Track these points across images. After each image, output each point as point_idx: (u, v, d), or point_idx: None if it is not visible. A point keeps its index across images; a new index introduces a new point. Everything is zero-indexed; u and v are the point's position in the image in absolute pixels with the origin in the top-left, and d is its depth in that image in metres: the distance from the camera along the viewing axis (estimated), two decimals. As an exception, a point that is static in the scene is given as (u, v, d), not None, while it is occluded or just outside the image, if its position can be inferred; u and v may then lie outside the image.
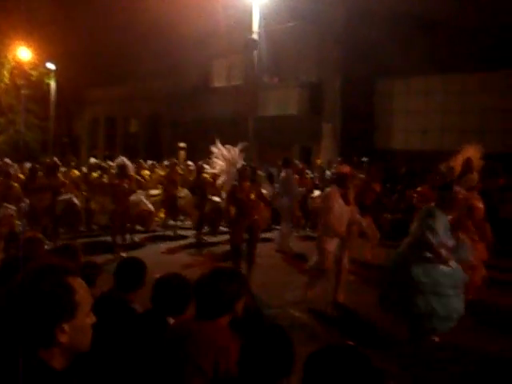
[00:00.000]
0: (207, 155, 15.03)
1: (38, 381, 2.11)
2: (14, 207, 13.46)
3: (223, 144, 13.08)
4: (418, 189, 13.75)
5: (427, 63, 22.07)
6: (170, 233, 16.74)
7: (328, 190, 9.70)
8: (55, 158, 18.36)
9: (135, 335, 4.15)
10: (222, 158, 12.83)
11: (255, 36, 22.34)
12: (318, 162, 21.32)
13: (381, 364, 2.54)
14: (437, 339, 7.44)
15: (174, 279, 4.42)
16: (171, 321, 4.24)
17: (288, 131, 25.78)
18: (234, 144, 13.17)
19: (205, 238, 15.95)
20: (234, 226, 10.97)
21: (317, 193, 16.96)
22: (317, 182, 18.76)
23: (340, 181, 9.48)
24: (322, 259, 9.39)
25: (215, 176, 14.15)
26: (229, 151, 12.74)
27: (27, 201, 14.15)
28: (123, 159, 14.64)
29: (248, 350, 3.05)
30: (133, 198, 14.77)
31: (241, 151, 12.69)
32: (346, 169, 9.98)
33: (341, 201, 9.24)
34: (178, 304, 4.31)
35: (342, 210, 9.25)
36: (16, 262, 2.93)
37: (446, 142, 23.42)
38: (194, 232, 16.26)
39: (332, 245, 9.37)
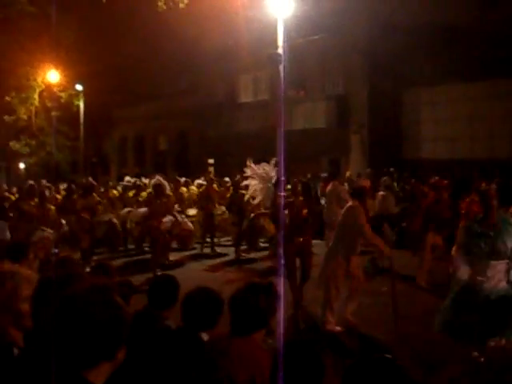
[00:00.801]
0: (236, 171, 15.00)
1: None
2: (50, 230, 13.48)
3: (253, 159, 13.10)
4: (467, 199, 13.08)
5: (453, 71, 21.95)
6: (207, 251, 16.54)
7: (350, 205, 9.13)
8: (91, 179, 18.38)
9: (169, 352, 4.16)
10: (256, 177, 12.79)
11: (280, 50, 22.37)
12: (348, 174, 21.24)
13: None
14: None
15: (202, 293, 4.41)
16: (204, 336, 4.25)
17: (316, 144, 25.76)
18: (262, 159, 13.21)
19: (244, 254, 15.69)
20: (285, 244, 10.72)
21: None
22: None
23: (359, 195, 9.03)
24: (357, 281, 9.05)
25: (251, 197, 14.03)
26: (261, 168, 12.70)
27: (64, 222, 14.20)
28: (159, 179, 14.63)
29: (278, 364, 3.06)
30: (169, 218, 14.55)
31: (274, 166, 12.63)
32: (366, 182, 9.68)
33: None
34: (209, 318, 4.31)
35: None
36: (52, 282, 2.98)
37: (475, 149, 23.27)
38: (232, 249, 16.05)
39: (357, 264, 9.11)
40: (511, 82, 22.13)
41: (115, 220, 16.03)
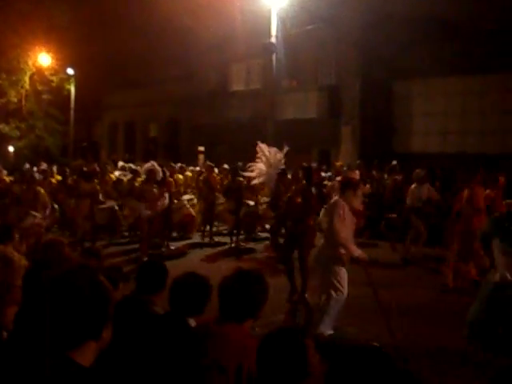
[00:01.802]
0: (226, 158, 14.89)
1: (72, 380, 2.15)
2: (40, 215, 13.23)
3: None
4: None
5: (446, 64, 21.96)
6: (206, 239, 16.29)
7: (334, 199, 8.49)
8: (96, 165, 18.02)
9: (156, 336, 4.15)
10: (264, 160, 12.66)
11: (273, 40, 22.34)
12: (338, 164, 21.19)
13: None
14: None
15: (190, 279, 4.40)
16: (192, 321, 4.24)
17: (307, 134, 25.73)
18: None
19: (242, 244, 15.46)
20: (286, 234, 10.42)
21: None
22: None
23: (344, 188, 8.27)
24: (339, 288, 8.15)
25: (250, 178, 13.82)
26: (270, 153, 12.58)
27: (56, 207, 14.07)
28: (153, 163, 14.47)
29: (264, 353, 3.06)
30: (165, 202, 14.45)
31: (285, 155, 12.51)
32: (354, 174, 9.13)
33: (350, 213, 8.12)
34: (196, 303, 4.30)
35: (351, 225, 8.21)
36: (41, 266, 2.99)
37: (466, 143, 23.30)
38: (231, 238, 15.73)
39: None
40: (504, 76, 22.15)
41: (117, 207, 15.91)
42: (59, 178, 17.33)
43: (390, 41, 21.96)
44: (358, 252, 7.99)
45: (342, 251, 8.00)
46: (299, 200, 10.37)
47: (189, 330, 4.08)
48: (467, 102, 23.57)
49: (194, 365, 3.65)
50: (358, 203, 8.36)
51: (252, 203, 15.72)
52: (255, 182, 13.32)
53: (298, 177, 11.29)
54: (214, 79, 32.56)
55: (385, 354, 2.44)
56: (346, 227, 7.99)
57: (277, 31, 22.61)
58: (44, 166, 19.63)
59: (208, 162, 18.23)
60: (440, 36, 21.98)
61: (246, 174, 14.09)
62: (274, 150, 12.77)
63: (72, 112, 36.23)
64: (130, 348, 3.98)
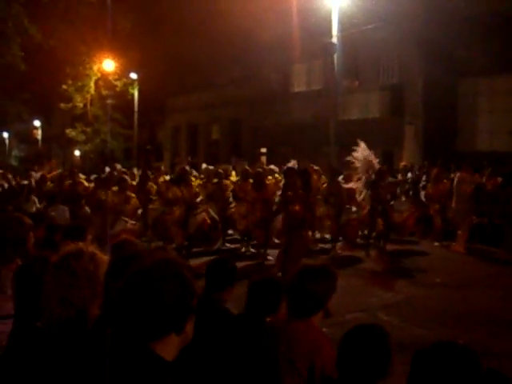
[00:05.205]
0: (288, 160, 14.60)
1: (152, 373, 2.19)
2: (132, 221, 12.65)
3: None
4: None
5: (511, 61, 21.50)
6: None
7: None
8: (188, 167, 15.98)
9: (232, 336, 4.17)
10: (360, 162, 12.35)
11: (334, 40, 22.23)
12: (402, 164, 21.02)
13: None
14: None
15: (267, 280, 4.43)
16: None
17: (370, 134, 25.49)
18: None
19: (339, 251, 14.01)
20: None
21: None
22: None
23: None
24: None
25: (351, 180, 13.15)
26: (365, 157, 12.27)
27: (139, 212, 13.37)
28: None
29: (346, 350, 3.05)
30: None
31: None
32: None
33: None
34: (272, 304, 4.32)
35: None
36: (125, 259, 3.05)
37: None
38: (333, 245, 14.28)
39: None
40: None
41: (214, 214, 14.05)
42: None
43: (453, 38, 21.62)
44: None
45: None
46: (298, 208, 10.04)
47: (267, 331, 4.12)
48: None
49: (267, 363, 3.68)
50: None
51: (354, 209, 14.32)
52: (350, 185, 12.87)
53: (296, 184, 10.41)
54: (275, 80, 32.62)
55: (470, 351, 2.39)
56: None
57: (338, 31, 22.50)
58: (119, 167, 19.51)
59: (309, 163, 16.55)
60: (505, 32, 21.53)
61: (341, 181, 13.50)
62: (367, 152, 12.45)
63: (136, 115, 36.78)
64: (209, 346, 4.01)
